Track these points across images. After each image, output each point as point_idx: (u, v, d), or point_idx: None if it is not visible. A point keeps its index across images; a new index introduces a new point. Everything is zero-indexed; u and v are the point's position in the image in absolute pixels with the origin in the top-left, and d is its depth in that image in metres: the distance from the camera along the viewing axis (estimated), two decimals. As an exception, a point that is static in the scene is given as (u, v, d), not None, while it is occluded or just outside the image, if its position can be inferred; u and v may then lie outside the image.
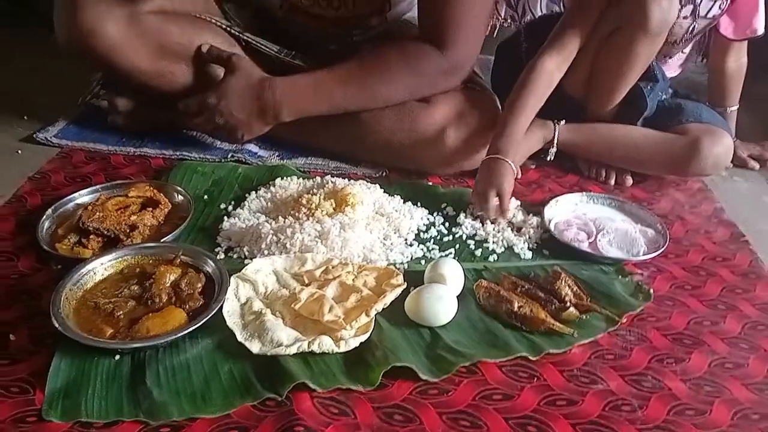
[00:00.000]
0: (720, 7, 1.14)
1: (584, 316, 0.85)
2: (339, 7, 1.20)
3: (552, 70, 1.09)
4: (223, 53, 1.12)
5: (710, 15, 1.15)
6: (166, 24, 1.10)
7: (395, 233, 0.99)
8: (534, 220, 1.03)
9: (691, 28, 1.16)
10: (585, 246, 0.97)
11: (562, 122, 1.18)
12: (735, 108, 1.28)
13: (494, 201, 1.00)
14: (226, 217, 1.01)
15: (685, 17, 1.14)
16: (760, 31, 1.16)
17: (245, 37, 1.18)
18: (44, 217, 0.95)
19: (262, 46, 1.18)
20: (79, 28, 1.05)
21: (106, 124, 1.24)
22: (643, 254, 0.96)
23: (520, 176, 1.16)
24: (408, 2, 1.27)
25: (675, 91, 1.26)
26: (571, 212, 1.06)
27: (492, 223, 1.02)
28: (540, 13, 1.67)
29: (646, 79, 1.14)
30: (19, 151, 1.18)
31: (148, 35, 1.08)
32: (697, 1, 1.13)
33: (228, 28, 1.18)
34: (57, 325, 0.73)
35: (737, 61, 1.23)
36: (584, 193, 1.11)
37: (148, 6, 1.10)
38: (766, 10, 1.17)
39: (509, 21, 1.74)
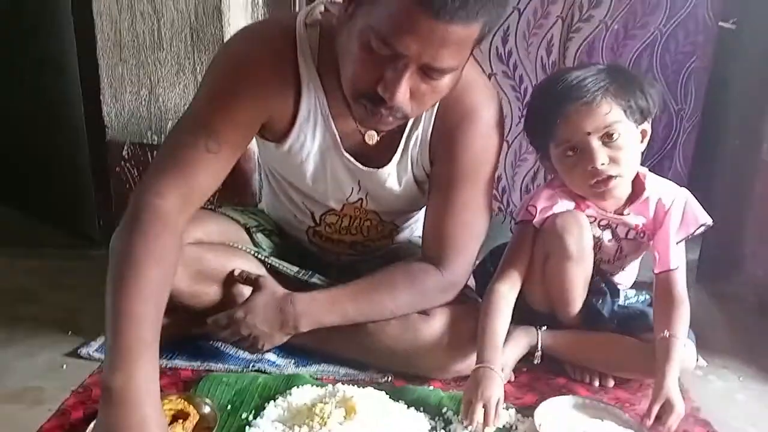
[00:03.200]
0: (637, 231, 1.31)
1: None
2: (356, 233, 1.43)
3: (505, 292, 1.27)
4: (251, 275, 1.31)
5: (630, 236, 1.32)
6: (203, 253, 1.30)
7: (400, 439, 1.09)
8: (527, 422, 1.14)
9: (618, 249, 1.34)
10: None
11: (544, 328, 1.33)
12: (677, 339, 1.22)
13: (480, 411, 1.10)
14: (247, 427, 1.12)
15: (609, 240, 1.32)
16: (673, 266, 1.26)
17: (270, 261, 1.38)
18: (86, 430, 1.07)
19: (285, 268, 1.37)
20: None
21: (142, 337, 1.40)
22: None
23: (513, 379, 1.29)
24: (410, 229, 1.50)
25: (637, 293, 1.42)
26: (560, 416, 1.16)
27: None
28: (520, 203, 1.91)
29: (595, 293, 1.30)
30: (64, 366, 1.33)
31: (189, 263, 1.26)
32: (612, 225, 1.31)
33: (255, 254, 1.38)
34: None
35: (669, 293, 1.26)
36: (573, 396, 1.22)
37: (189, 239, 1.29)
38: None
39: (496, 211, 1.98)
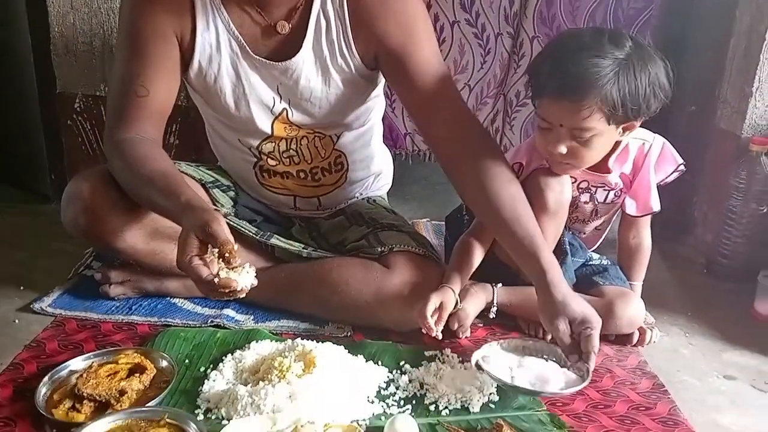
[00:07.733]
0: (616, 194, 1.35)
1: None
2: (299, 161, 1.42)
3: (475, 243, 1.31)
4: None
5: (608, 201, 1.36)
6: (160, 210, 1.28)
7: (358, 392, 1.11)
8: (485, 378, 1.17)
9: (594, 211, 1.38)
10: (503, 377, 1.10)
11: (499, 285, 1.36)
12: (637, 284, 1.43)
13: (433, 302, 1.20)
14: (205, 380, 1.12)
15: (585, 202, 1.36)
16: (656, 208, 1.34)
17: (227, 220, 1.36)
18: (41, 383, 1.05)
19: (243, 228, 1.36)
20: (86, 217, 1.22)
21: (96, 293, 1.38)
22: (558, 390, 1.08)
23: (469, 335, 1.32)
24: (363, 162, 1.50)
25: (600, 257, 1.47)
26: (501, 351, 1.20)
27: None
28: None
29: (559, 253, 1.32)
30: (16, 321, 1.30)
31: (145, 222, 1.26)
32: (592, 190, 1.35)
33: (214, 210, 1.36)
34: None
35: (636, 238, 1.40)
36: (519, 338, 1.27)
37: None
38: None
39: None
